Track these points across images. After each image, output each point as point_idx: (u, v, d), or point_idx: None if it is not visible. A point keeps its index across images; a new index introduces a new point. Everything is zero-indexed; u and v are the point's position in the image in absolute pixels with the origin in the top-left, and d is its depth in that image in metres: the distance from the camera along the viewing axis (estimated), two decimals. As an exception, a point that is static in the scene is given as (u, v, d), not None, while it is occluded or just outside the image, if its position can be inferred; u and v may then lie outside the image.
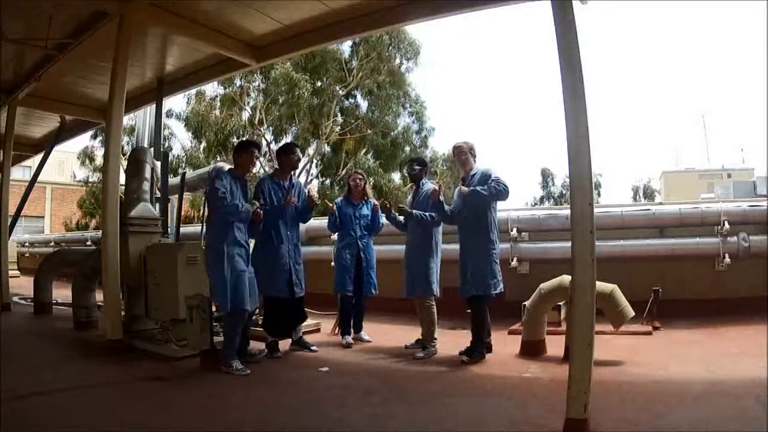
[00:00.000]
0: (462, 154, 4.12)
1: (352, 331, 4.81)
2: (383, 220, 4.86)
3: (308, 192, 4.46)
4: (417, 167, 4.48)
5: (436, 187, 4.16)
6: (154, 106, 6.27)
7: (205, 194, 4.17)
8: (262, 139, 17.14)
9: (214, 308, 4.06)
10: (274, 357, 4.19)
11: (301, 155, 4.62)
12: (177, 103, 25.85)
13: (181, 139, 18.16)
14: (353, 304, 4.83)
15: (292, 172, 4.54)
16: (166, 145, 17.20)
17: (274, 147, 17.63)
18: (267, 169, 17.05)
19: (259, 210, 3.92)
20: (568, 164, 2.59)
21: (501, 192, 3.89)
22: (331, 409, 2.94)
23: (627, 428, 2.48)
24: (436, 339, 4.23)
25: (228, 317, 3.83)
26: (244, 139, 13.25)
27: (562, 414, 2.44)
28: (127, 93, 4.78)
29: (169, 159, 16.51)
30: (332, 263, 5.18)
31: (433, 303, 4.27)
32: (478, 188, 3.89)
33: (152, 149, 5.76)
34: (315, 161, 17.70)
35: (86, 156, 18.92)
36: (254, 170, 4.38)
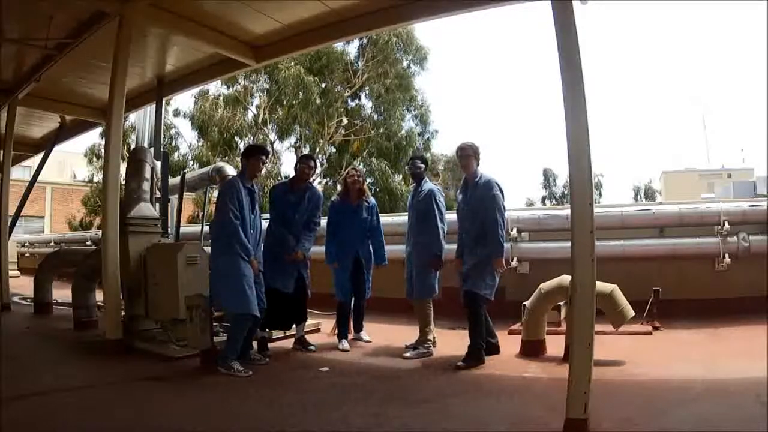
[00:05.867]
0: (465, 157, 4.07)
1: (349, 335, 4.78)
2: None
3: None
4: (421, 165, 4.46)
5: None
6: (154, 106, 6.28)
7: (217, 200, 4.13)
8: (266, 138, 17.13)
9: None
10: (264, 355, 4.14)
11: (313, 165, 4.59)
12: (185, 102, 25.83)
13: (187, 139, 18.13)
14: (352, 307, 4.82)
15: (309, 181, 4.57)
16: (173, 144, 17.16)
17: (278, 146, 17.65)
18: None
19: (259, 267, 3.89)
20: (568, 164, 2.59)
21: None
22: (331, 409, 2.94)
23: (627, 428, 2.48)
24: (430, 340, 4.21)
25: (236, 320, 3.80)
26: (252, 144, 13.22)
27: (562, 414, 2.44)
28: (127, 93, 4.79)
29: (176, 157, 16.63)
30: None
31: (431, 305, 4.27)
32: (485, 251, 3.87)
33: (152, 149, 5.76)
34: (318, 161, 17.72)
35: (93, 154, 18.76)
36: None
